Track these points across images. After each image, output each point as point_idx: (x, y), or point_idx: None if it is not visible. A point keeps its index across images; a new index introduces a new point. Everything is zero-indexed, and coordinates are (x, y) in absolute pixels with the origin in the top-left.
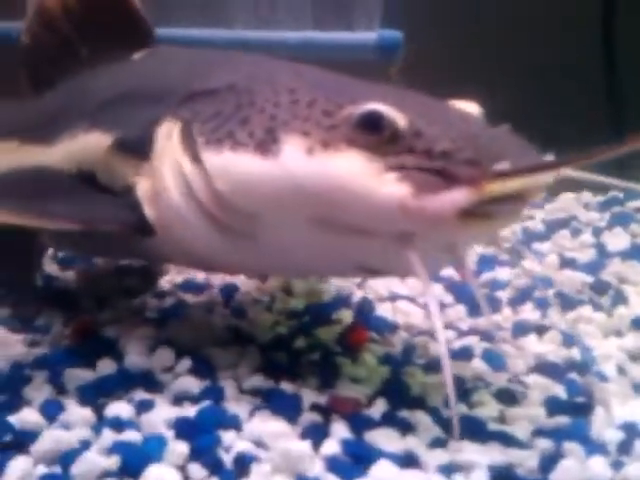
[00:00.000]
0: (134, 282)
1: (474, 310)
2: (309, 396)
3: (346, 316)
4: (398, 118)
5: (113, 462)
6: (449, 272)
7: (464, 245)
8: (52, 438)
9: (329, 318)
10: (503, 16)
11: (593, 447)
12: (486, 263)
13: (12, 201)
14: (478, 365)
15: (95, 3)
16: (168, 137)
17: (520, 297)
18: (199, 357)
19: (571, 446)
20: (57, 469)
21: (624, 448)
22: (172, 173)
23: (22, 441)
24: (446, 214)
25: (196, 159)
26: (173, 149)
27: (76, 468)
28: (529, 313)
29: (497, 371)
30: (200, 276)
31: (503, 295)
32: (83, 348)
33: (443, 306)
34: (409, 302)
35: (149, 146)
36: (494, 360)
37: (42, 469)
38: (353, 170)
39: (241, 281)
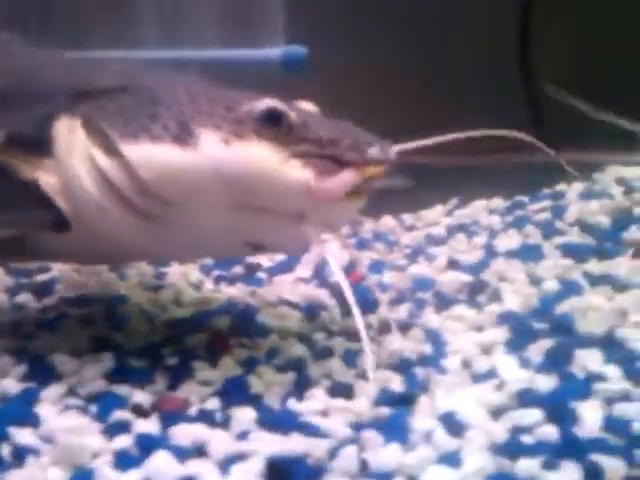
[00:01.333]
0: None
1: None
2: (140, 397)
3: (222, 323)
4: (291, 113)
5: None
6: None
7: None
8: None
9: (206, 325)
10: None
11: (397, 436)
12: (375, 267)
13: None
14: (334, 363)
15: None
16: (70, 132)
17: (398, 298)
18: (44, 364)
19: (370, 434)
20: None
21: (428, 437)
22: (84, 166)
23: None
24: (340, 193)
25: (111, 152)
26: (80, 144)
27: None
28: (402, 313)
29: (349, 368)
30: (91, 291)
31: (384, 297)
32: None
33: (322, 308)
34: (292, 308)
35: (48, 142)
36: (349, 358)
37: None
38: (265, 158)
39: (132, 293)
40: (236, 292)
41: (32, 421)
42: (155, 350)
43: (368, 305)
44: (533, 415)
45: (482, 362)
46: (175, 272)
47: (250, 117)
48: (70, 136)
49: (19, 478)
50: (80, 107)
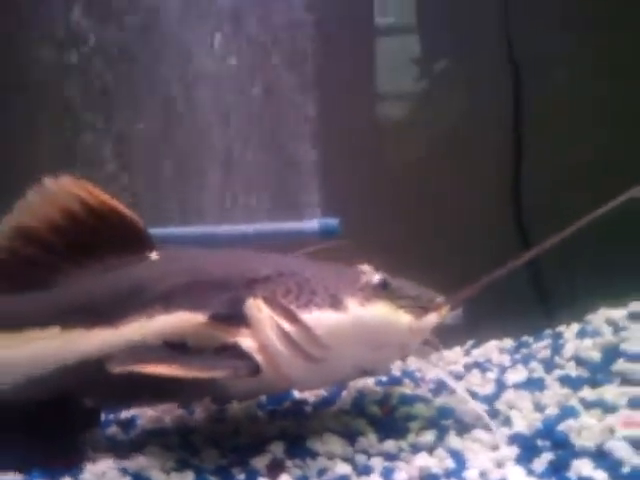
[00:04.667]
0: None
1: None
2: None
3: (278, 448)
4: (390, 281)
5: None
6: None
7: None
8: None
9: (265, 450)
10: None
11: None
12: (405, 400)
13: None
14: (374, 478)
15: (96, 221)
16: (257, 309)
17: (426, 426)
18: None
19: None
20: None
21: None
22: (273, 332)
23: None
24: (429, 329)
25: (291, 320)
26: (267, 317)
27: None
28: (429, 437)
29: None
30: (167, 425)
31: (413, 425)
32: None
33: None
34: (337, 435)
35: (243, 318)
36: (388, 474)
37: None
38: (386, 311)
39: (205, 426)
40: (288, 423)
41: None
42: (226, 471)
43: (399, 431)
44: None
45: (496, 473)
46: (235, 408)
47: (370, 286)
48: (258, 313)
49: None
50: (257, 291)
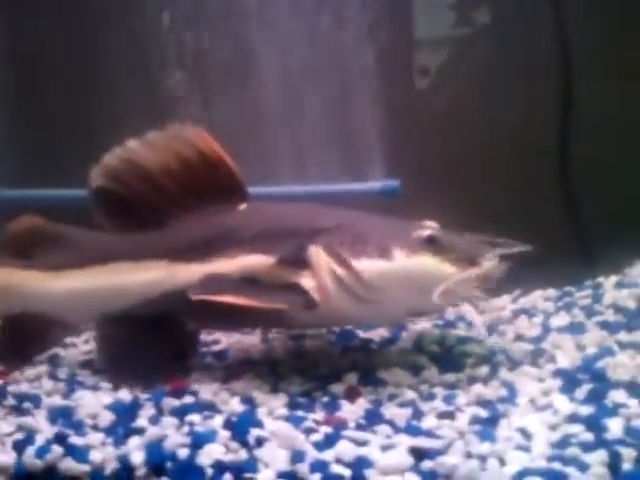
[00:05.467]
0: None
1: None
2: (313, 416)
3: (353, 377)
4: (441, 236)
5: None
6: None
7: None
8: None
9: (342, 379)
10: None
11: (488, 438)
12: (460, 341)
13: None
14: (437, 403)
15: (206, 170)
16: (317, 255)
17: (480, 361)
18: (248, 398)
19: (471, 437)
20: None
21: (508, 439)
22: (329, 275)
23: None
24: (472, 278)
25: (344, 265)
26: (324, 262)
27: None
28: (484, 371)
29: (449, 405)
30: (254, 356)
31: (469, 360)
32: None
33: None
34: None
35: (305, 262)
36: (448, 399)
37: None
38: (429, 262)
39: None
40: (358, 357)
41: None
42: (311, 395)
43: (457, 366)
44: (578, 428)
45: (543, 400)
46: (310, 344)
47: (418, 239)
48: (317, 258)
49: (260, 456)
50: (318, 240)
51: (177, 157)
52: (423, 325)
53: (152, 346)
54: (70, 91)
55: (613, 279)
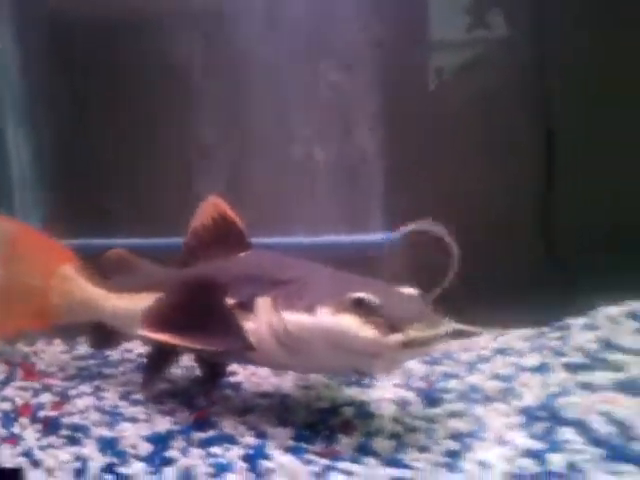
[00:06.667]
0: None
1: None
2: (313, 449)
3: (349, 411)
4: (372, 299)
5: None
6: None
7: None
8: None
9: (339, 412)
10: None
11: (454, 468)
12: (444, 377)
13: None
14: (418, 436)
15: (217, 228)
16: (262, 304)
17: (458, 398)
18: (259, 431)
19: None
20: None
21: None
22: (266, 322)
23: None
24: (395, 345)
25: (277, 315)
26: (267, 310)
27: None
28: (459, 406)
29: (430, 440)
30: (267, 389)
31: (448, 396)
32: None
33: (409, 404)
34: (392, 403)
35: (254, 307)
36: (430, 433)
37: None
38: (353, 323)
39: (293, 391)
40: (355, 391)
41: (269, 457)
42: (313, 428)
43: (437, 401)
44: (528, 461)
45: (508, 435)
46: (316, 376)
47: (347, 300)
48: (263, 305)
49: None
50: (270, 291)
51: (202, 223)
52: (413, 361)
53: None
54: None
55: (581, 321)
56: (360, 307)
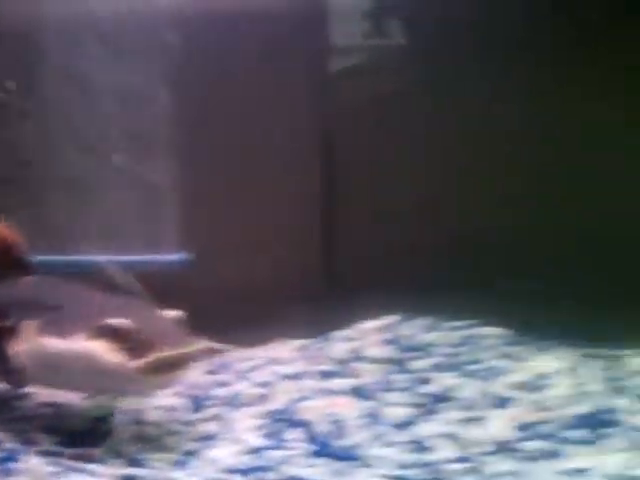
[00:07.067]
0: None
1: None
2: None
3: None
4: (120, 326)
5: None
6: None
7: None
8: None
9: None
10: None
11: None
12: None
13: None
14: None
15: None
16: (26, 327)
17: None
18: None
19: None
20: None
21: None
22: (25, 345)
23: None
24: (139, 369)
25: (33, 339)
26: (28, 334)
27: None
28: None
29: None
30: None
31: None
32: None
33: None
34: None
35: (20, 332)
36: None
37: None
38: (100, 349)
39: None
40: (133, 402)
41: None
42: (80, 434)
43: (201, 407)
44: (250, 457)
45: (245, 435)
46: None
47: (97, 327)
48: (25, 330)
49: None
50: (36, 316)
51: None
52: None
53: None
54: None
55: (344, 333)
56: (109, 333)
